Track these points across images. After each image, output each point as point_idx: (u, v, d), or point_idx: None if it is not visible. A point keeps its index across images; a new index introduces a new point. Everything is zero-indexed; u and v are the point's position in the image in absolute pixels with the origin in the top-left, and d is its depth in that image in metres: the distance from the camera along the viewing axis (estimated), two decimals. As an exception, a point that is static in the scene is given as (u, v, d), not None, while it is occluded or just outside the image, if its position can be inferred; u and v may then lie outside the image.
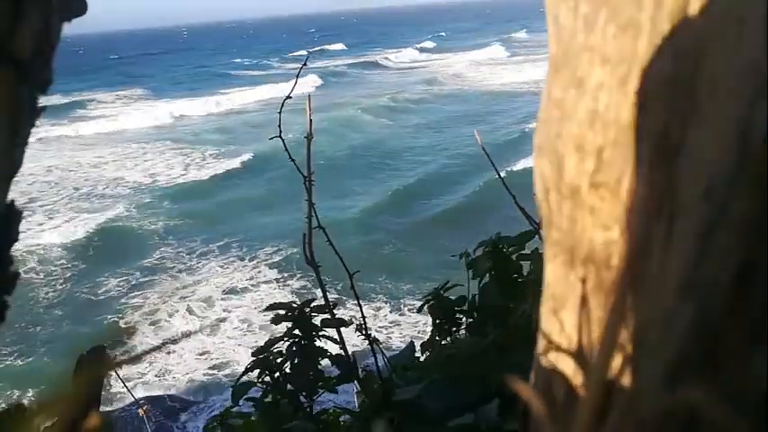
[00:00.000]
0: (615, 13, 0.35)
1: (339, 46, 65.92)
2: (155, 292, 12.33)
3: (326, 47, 64.77)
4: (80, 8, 0.33)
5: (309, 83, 36.38)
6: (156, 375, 9.48)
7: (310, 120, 1.96)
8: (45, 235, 15.13)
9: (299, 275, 12.13)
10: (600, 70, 0.36)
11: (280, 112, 1.93)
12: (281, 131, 1.93)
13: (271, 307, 1.76)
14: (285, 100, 1.95)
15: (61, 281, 13.05)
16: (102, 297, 12.29)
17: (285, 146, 1.93)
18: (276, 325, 1.76)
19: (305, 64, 2.10)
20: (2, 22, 0.27)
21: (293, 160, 1.91)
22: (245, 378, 1.80)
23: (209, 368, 9.68)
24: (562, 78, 0.38)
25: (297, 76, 1.96)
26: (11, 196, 0.32)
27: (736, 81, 0.30)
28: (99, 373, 0.28)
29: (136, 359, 0.25)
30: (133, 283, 12.75)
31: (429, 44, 58.67)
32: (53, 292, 12.59)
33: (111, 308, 11.76)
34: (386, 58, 49.28)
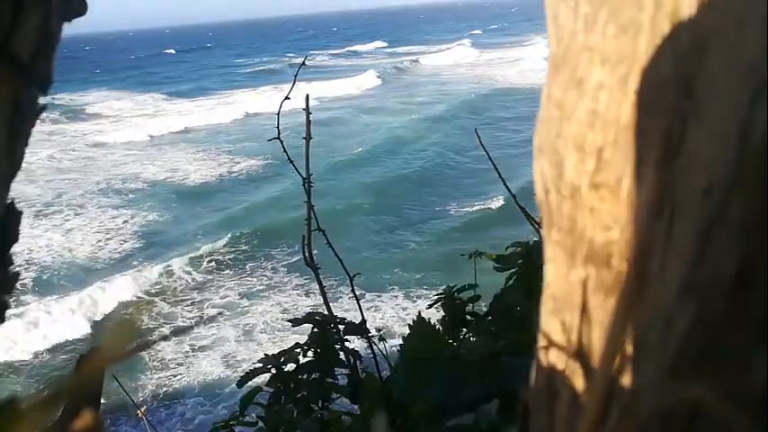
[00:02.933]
0: (615, 13, 0.35)
1: (377, 44, 62.96)
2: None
3: (365, 45, 62.61)
4: (80, 8, 0.33)
5: (370, 81, 35.02)
6: (158, 375, 9.42)
7: (308, 120, 1.96)
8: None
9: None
10: (600, 70, 0.36)
11: (278, 114, 1.93)
12: (279, 133, 1.93)
13: (297, 320, 1.73)
14: (284, 101, 1.95)
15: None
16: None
17: (284, 147, 1.93)
18: (294, 327, 1.74)
19: (303, 63, 2.10)
20: (2, 23, 0.27)
21: (292, 162, 1.91)
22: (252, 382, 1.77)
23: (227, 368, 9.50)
24: (562, 78, 0.38)
25: (295, 77, 1.96)
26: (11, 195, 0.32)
27: (736, 81, 0.30)
28: (98, 373, 0.28)
29: (139, 349, 0.25)
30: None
31: (467, 41, 55.49)
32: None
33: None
34: (434, 56, 46.39)
